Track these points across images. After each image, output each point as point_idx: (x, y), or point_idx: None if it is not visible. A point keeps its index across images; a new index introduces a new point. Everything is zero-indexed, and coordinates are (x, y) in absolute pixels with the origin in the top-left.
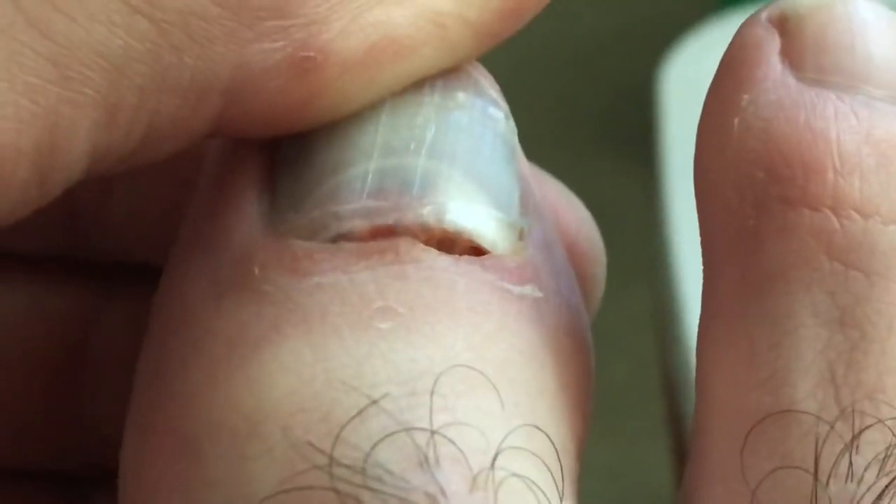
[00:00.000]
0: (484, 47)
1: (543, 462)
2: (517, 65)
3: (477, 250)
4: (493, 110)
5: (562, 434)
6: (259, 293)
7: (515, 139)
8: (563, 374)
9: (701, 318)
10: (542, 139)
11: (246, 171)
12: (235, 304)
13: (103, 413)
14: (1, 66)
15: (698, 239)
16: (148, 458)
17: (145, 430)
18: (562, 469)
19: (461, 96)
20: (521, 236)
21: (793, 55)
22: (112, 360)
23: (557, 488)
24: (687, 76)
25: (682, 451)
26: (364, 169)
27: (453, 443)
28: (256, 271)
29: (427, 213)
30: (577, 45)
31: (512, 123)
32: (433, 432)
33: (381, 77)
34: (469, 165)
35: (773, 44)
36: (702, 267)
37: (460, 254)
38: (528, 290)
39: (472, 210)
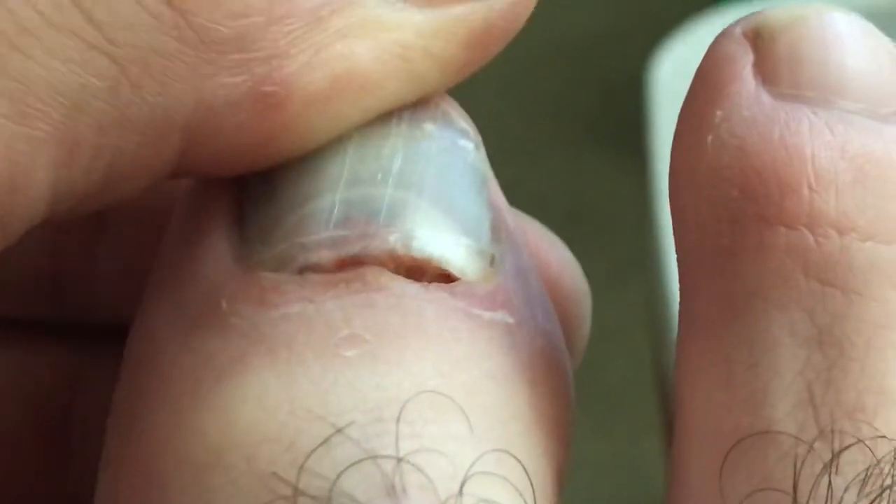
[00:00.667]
0: (451, 80)
1: (514, 487)
2: (509, 63)
3: (446, 278)
4: (462, 142)
5: (535, 459)
6: (226, 326)
7: (487, 168)
8: (537, 399)
9: (678, 338)
10: (534, 136)
11: (214, 206)
12: (202, 338)
13: (91, 476)
14: None
15: None
16: (119, 498)
17: (115, 470)
18: (534, 494)
19: (429, 127)
20: (491, 262)
21: (766, 70)
22: (98, 423)
23: None
24: (678, 73)
25: None
26: (331, 200)
27: (421, 470)
28: (224, 305)
29: (394, 240)
30: (569, 42)
31: (483, 153)
32: (399, 459)
33: (346, 111)
34: (437, 195)
35: (746, 59)
36: (678, 286)
37: (429, 281)
38: (500, 316)
39: (439, 237)
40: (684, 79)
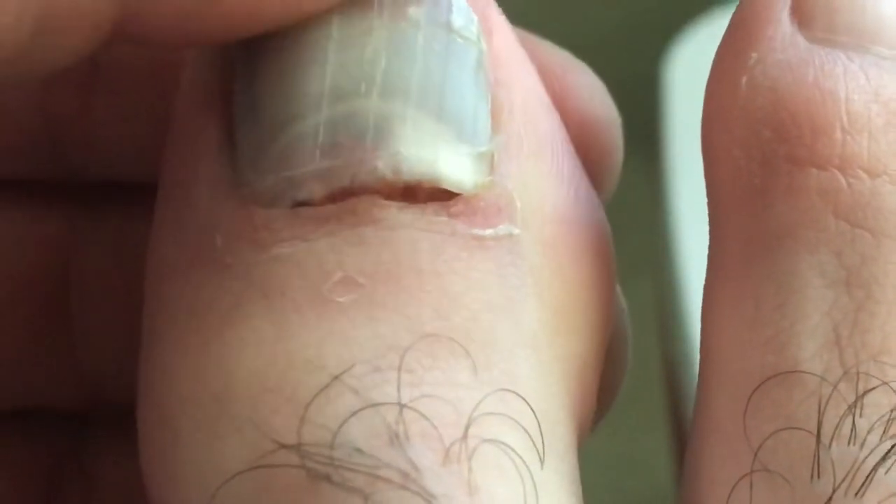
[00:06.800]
0: None
1: (519, 424)
2: None
3: (444, 192)
4: (453, 17)
5: (542, 387)
6: (222, 266)
7: (481, 42)
8: (548, 314)
9: (706, 279)
10: None
11: (207, 124)
12: (201, 277)
13: (92, 340)
14: None
15: (703, 231)
16: (141, 427)
17: (141, 398)
18: (540, 428)
19: (413, 12)
20: (491, 162)
21: (803, 14)
22: (97, 285)
23: (536, 448)
24: (692, 68)
25: (683, 444)
26: (314, 121)
27: (424, 417)
28: (219, 241)
29: (382, 166)
30: (583, 37)
31: (475, 26)
32: (402, 406)
33: None
34: (425, 97)
35: (782, 3)
36: (708, 227)
37: (426, 198)
38: (503, 229)
39: (429, 152)
40: (698, 75)
